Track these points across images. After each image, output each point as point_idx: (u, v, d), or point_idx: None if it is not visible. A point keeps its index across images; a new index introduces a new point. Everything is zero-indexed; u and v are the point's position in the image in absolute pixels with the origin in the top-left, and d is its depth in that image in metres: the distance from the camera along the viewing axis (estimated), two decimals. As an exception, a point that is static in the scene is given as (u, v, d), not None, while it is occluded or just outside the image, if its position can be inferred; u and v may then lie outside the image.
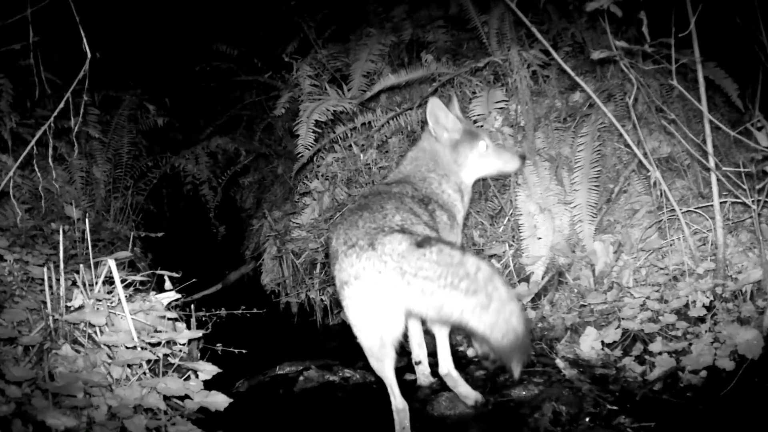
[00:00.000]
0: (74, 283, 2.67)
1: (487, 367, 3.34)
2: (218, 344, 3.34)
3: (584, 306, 3.60)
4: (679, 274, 3.35)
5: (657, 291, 3.32)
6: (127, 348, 2.46)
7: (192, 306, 3.38)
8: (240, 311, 3.86)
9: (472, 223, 4.21)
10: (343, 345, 3.92)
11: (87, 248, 3.01)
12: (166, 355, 2.58)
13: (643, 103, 3.86)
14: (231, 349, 3.28)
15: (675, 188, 3.78)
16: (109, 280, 2.74)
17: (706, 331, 3.01)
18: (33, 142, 3.20)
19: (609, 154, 3.95)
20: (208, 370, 2.57)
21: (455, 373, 2.97)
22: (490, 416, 2.80)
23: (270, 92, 6.57)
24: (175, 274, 3.05)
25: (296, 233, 5.14)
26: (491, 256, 4.03)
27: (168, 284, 3.06)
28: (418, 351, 3.19)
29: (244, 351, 3.26)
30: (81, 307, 2.53)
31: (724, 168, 3.19)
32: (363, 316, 2.43)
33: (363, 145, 4.78)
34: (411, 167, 3.19)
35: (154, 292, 3.04)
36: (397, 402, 2.55)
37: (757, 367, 2.76)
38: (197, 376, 2.57)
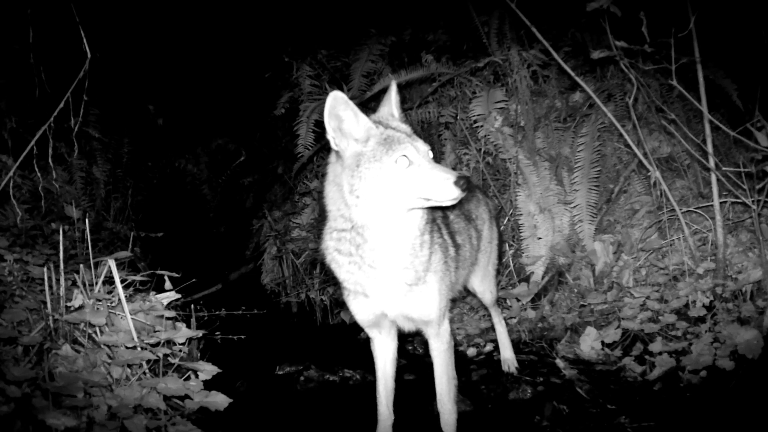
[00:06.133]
0: (74, 283, 2.67)
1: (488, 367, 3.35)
2: (217, 333, 3.42)
3: (584, 306, 3.61)
4: (679, 274, 3.35)
5: (657, 291, 3.33)
6: (127, 348, 2.46)
7: (192, 306, 3.38)
8: (240, 311, 3.89)
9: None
10: (343, 345, 3.92)
11: (87, 248, 3.01)
12: (166, 355, 2.57)
13: (643, 103, 3.86)
14: (230, 337, 3.41)
15: (675, 188, 3.78)
16: (109, 280, 2.74)
17: (706, 331, 3.01)
18: (33, 142, 3.20)
19: (609, 154, 3.95)
20: (208, 370, 2.57)
21: None
22: (491, 416, 2.80)
23: (270, 92, 6.57)
24: (174, 274, 3.05)
25: (296, 233, 5.14)
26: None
27: (168, 284, 3.06)
28: None
29: (242, 336, 3.42)
30: (81, 307, 2.52)
31: (724, 168, 3.19)
32: None
33: (363, 144, 4.77)
34: None
35: (154, 292, 3.04)
36: None
37: (757, 367, 2.76)
38: (197, 376, 2.57)
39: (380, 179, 2.05)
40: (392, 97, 2.33)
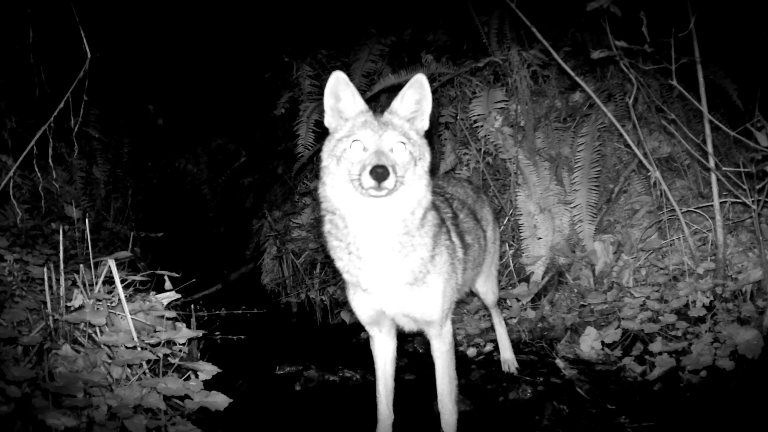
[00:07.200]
0: (74, 283, 2.67)
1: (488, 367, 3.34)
2: (217, 333, 3.43)
3: (584, 306, 3.61)
4: (679, 274, 3.35)
5: (657, 291, 3.33)
6: (127, 348, 2.46)
7: (192, 306, 3.39)
8: (240, 311, 3.89)
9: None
10: (343, 345, 3.92)
11: (87, 248, 3.01)
12: (166, 355, 2.57)
13: (643, 103, 3.86)
14: (230, 337, 3.44)
15: (675, 188, 3.78)
16: (109, 280, 2.73)
17: (706, 331, 3.01)
18: (33, 142, 3.20)
19: (609, 154, 3.95)
20: (208, 370, 2.57)
21: None
22: (491, 416, 2.80)
23: (270, 92, 6.58)
24: (174, 274, 3.05)
25: (296, 233, 5.14)
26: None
27: (168, 284, 3.06)
28: None
29: (242, 336, 3.47)
30: (81, 307, 2.52)
31: (724, 168, 3.19)
32: None
33: (363, 144, 4.77)
34: None
35: (154, 292, 3.04)
36: None
37: (757, 367, 2.76)
38: (197, 376, 2.57)
39: (332, 158, 2.11)
40: (402, 93, 2.40)
